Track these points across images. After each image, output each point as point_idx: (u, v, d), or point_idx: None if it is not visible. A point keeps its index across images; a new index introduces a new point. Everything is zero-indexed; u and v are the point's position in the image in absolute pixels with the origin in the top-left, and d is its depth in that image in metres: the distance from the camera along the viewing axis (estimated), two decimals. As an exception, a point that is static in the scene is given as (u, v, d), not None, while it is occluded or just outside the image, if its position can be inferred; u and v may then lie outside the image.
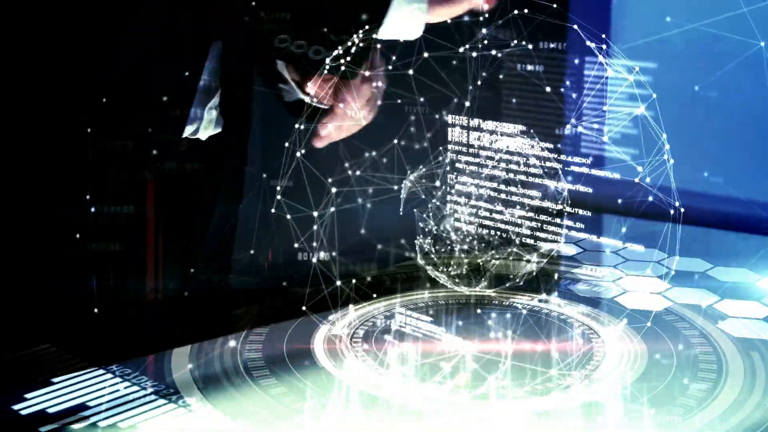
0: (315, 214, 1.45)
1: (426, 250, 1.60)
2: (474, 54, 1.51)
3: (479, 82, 1.56)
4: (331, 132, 1.49)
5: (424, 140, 1.60)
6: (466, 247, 1.61)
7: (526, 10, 1.46)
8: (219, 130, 1.51)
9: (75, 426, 1.19)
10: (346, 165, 1.56)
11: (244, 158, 1.64)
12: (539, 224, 1.57)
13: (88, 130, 1.39)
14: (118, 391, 1.27)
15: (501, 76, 1.78)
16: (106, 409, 1.22)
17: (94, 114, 1.39)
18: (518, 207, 1.58)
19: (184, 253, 1.60)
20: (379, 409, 1.26)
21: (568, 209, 1.55)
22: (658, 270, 1.72)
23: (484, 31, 1.49)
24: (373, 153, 1.58)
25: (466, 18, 1.48)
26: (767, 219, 1.93)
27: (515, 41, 1.52)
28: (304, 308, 1.45)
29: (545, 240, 1.57)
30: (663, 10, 1.93)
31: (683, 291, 1.65)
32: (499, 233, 1.60)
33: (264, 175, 1.56)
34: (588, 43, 1.45)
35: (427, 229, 1.60)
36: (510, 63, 1.69)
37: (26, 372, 1.32)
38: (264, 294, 1.60)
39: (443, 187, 1.60)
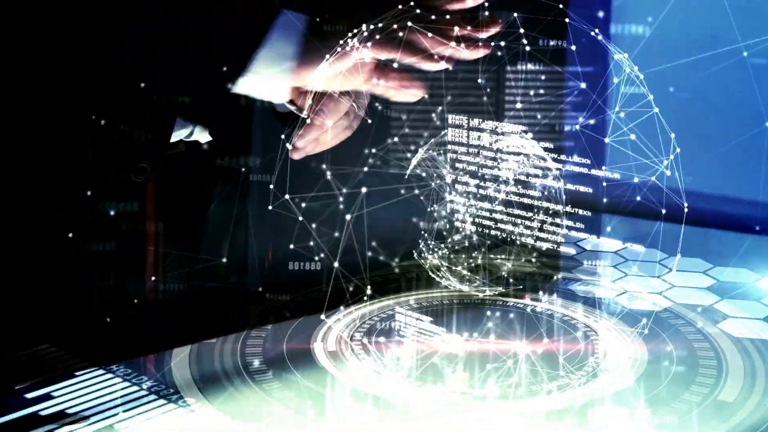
0: (347, 216, 1.43)
1: (426, 250, 1.60)
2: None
3: (480, 81, 1.56)
4: (306, 145, 1.43)
5: (422, 140, 1.60)
6: (466, 246, 1.61)
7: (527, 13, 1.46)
8: (217, 133, 1.51)
9: (75, 426, 1.19)
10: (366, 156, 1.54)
11: (244, 159, 1.63)
12: (539, 224, 1.57)
13: (88, 129, 1.39)
14: (118, 391, 1.27)
15: (501, 76, 1.77)
16: (106, 409, 1.22)
17: (94, 114, 1.39)
18: (518, 207, 1.58)
19: (184, 252, 1.60)
20: (379, 409, 1.26)
21: (568, 209, 1.55)
22: (659, 270, 1.72)
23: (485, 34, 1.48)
24: (373, 150, 1.58)
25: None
26: (767, 219, 1.93)
27: (518, 40, 1.52)
28: (322, 316, 1.45)
29: (545, 240, 1.57)
30: (663, 10, 1.93)
31: (683, 291, 1.65)
32: (499, 233, 1.60)
33: (266, 176, 1.56)
34: (592, 33, 1.45)
35: (427, 229, 1.60)
36: (510, 63, 1.69)
37: (26, 372, 1.32)
38: (264, 294, 1.60)
39: (445, 187, 1.60)
